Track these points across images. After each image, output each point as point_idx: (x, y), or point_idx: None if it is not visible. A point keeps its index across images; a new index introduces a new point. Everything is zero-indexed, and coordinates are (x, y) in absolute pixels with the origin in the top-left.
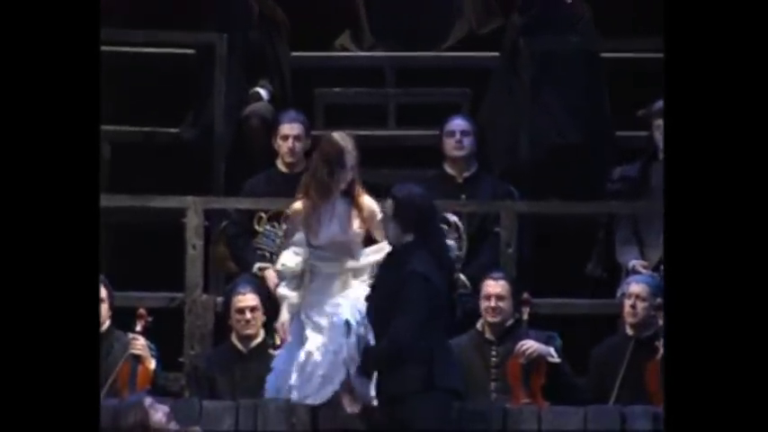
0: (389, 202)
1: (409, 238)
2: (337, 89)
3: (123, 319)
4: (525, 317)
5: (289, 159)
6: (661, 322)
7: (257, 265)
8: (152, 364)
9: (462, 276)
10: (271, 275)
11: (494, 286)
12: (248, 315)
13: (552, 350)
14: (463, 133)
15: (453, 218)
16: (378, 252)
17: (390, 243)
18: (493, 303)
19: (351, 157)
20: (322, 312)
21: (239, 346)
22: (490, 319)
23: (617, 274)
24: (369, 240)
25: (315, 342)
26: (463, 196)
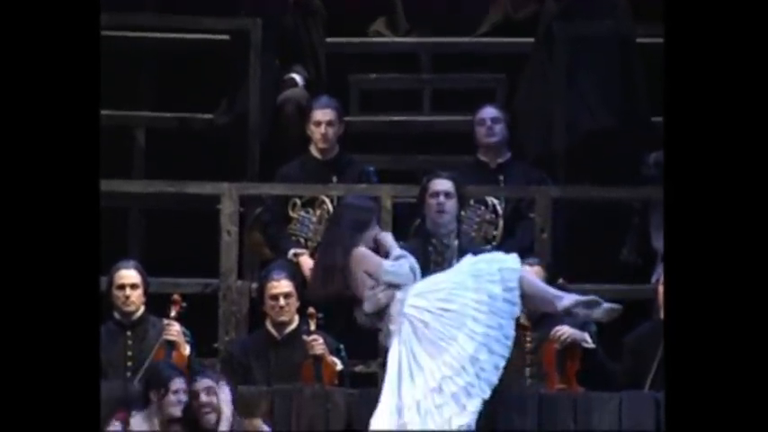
0: None
1: None
2: (372, 75)
3: (158, 305)
4: None
5: (321, 145)
6: None
7: (292, 250)
8: (186, 350)
9: None
10: (305, 261)
11: (529, 272)
12: (282, 301)
13: (587, 336)
14: (494, 120)
15: (492, 200)
16: None
17: None
18: None
19: None
20: None
21: (273, 332)
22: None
23: (652, 260)
24: None
25: None
26: (501, 177)
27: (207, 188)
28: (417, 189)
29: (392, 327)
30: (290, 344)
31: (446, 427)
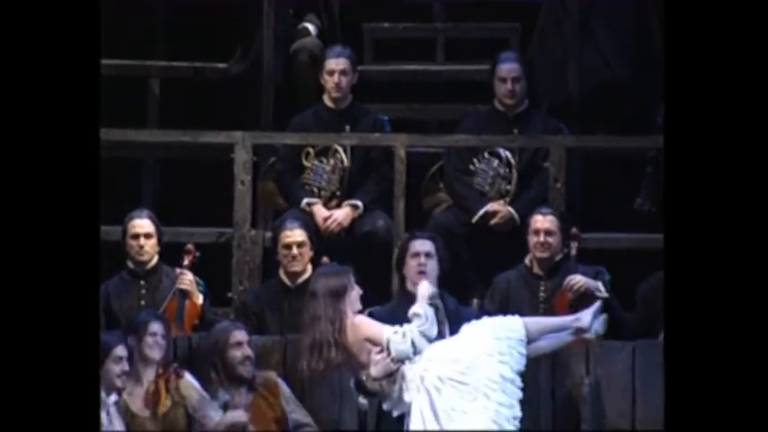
0: None
1: None
2: (386, 24)
3: (172, 254)
4: (574, 252)
5: (335, 95)
6: None
7: (305, 200)
8: (200, 299)
9: None
10: (318, 211)
11: (542, 221)
12: (295, 251)
13: (600, 285)
14: (515, 80)
15: (505, 152)
16: None
17: None
18: (542, 238)
19: None
20: None
21: (287, 281)
22: (539, 255)
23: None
24: None
25: None
26: (516, 131)
27: (221, 137)
28: (431, 139)
29: (406, 396)
30: (303, 293)
31: None
